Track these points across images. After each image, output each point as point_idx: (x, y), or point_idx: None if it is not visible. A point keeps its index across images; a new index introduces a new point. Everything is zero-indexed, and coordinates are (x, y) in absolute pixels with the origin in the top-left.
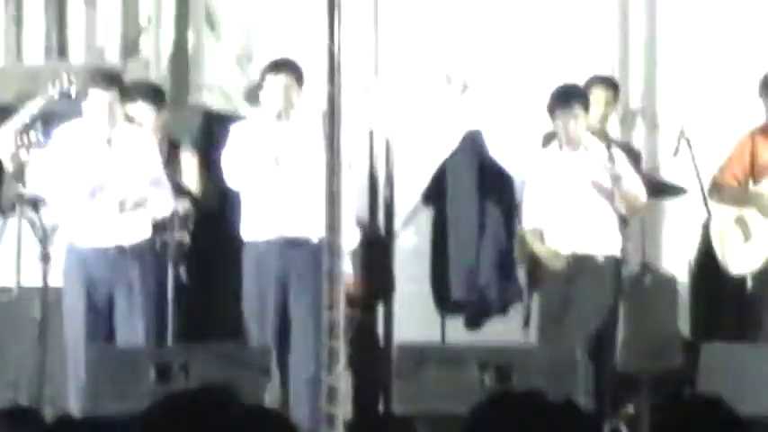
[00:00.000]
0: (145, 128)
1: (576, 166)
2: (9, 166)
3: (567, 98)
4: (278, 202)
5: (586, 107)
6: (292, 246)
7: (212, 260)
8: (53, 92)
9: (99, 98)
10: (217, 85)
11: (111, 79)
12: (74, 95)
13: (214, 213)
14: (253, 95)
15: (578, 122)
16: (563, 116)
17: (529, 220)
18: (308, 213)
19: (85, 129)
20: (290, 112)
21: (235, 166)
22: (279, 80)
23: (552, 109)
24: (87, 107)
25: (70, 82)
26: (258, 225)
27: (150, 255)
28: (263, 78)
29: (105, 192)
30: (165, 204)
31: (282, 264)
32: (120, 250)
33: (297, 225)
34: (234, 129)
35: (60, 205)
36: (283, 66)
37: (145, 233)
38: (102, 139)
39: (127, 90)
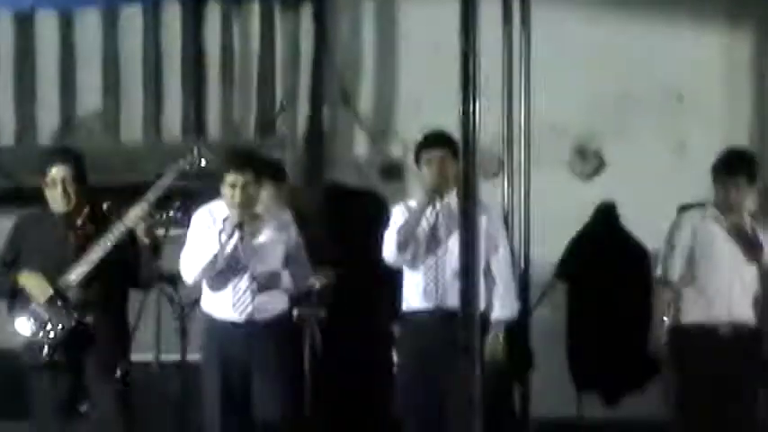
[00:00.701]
0: (272, 203)
1: (731, 235)
2: (145, 242)
3: (733, 166)
4: (436, 276)
5: (752, 177)
6: (450, 319)
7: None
8: (184, 165)
9: (234, 180)
10: (352, 162)
11: (246, 160)
12: (205, 169)
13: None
14: (388, 171)
15: (741, 192)
16: (726, 183)
17: (671, 289)
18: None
19: (222, 208)
20: (445, 188)
21: (395, 244)
22: (434, 155)
23: (716, 173)
24: (224, 188)
25: (201, 156)
26: (416, 299)
27: (286, 330)
28: (417, 155)
29: (242, 269)
30: (302, 281)
31: (440, 336)
32: (256, 326)
33: (455, 299)
34: (396, 207)
35: (199, 282)
36: (438, 140)
37: (281, 308)
38: (239, 217)
39: (262, 169)
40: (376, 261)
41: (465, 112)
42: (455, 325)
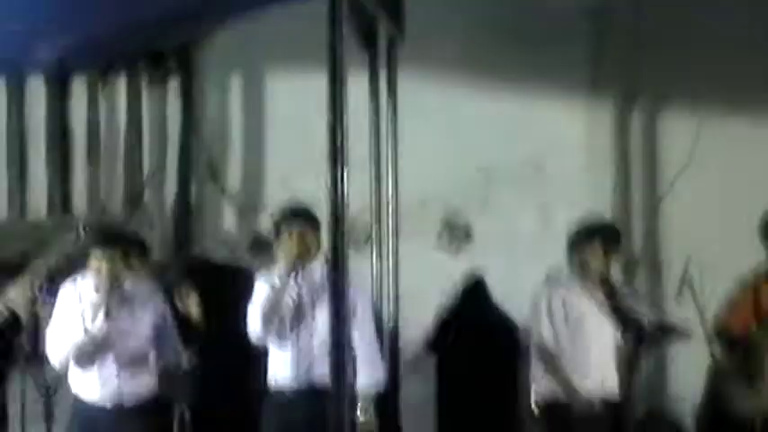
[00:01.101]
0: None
1: (594, 303)
2: (24, 320)
3: (592, 233)
4: (302, 350)
5: (610, 244)
6: (319, 394)
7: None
8: (67, 243)
9: (101, 255)
10: (221, 237)
11: (112, 236)
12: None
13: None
14: (257, 245)
15: (597, 258)
16: (586, 250)
17: (543, 361)
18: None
19: (88, 285)
20: (306, 259)
21: (259, 321)
22: (294, 227)
23: (575, 243)
24: (91, 264)
25: (84, 231)
26: (283, 374)
27: (154, 412)
28: (277, 228)
29: (109, 349)
30: (170, 356)
31: (307, 412)
32: (123, 409)
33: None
34: (257, 282)
35: (65, 366)
36: (298, 214)
37: (148, 389)
38: (104, 296)
39: (127, 245)
40: (245, 337)
41: (333, 183)
42: (323, 400)
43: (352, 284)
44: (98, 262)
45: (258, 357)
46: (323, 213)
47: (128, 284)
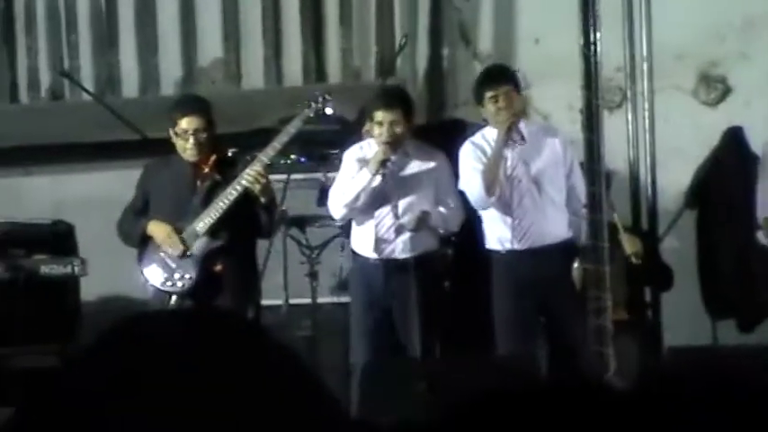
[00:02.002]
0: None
1: None
2: (262, 200)
3: None
4: (527, 212)
5: None
6: (542, 253)
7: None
8: (309, 113)
9: (383, 117)
10: (472, 100)
11: (395, 98)
12: (330, 114)
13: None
14: None
15: None
16: None
17: None
18: (558, 222)
19: (371, 147)
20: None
21: (482, 187)
22: (500, 90)
23: None
24: (373, 125)
25: (326, 101)
26: (506, 236)
27: (432, 268)
28: (480, 92)
29: (389, 205)
30: (452, 221)
31: (533, 271)
32: (401, 263)
33: (548, 234)
34: (466, 148)
35: (345, 217)
36: (502, 74)
37: (427, 247)
38: (381, 162)
39: (409, 108)
40: None
41: (585, 44)
42: (545, 257)
43: (562, 140)
44: (380, 123)
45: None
46: (576, 72)
47: (409, 145)
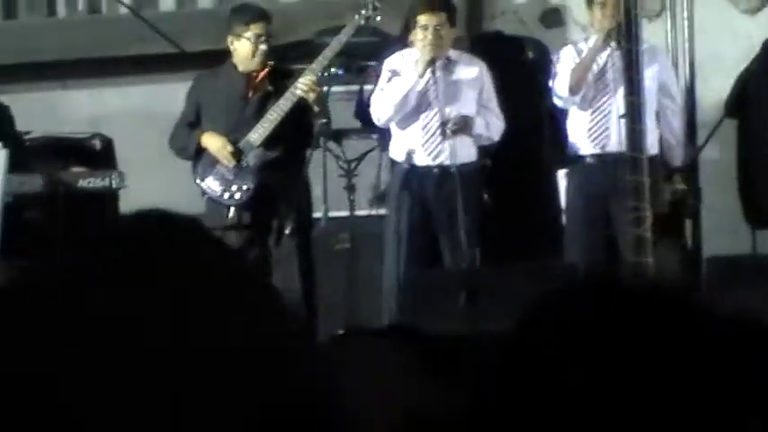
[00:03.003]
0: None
1: None
2: (315, 109)
3: None
4: (604, 119)
5: None
6: (614, 162)
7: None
8: (359, 21)
9: (427, 21)
10: (511, 11)
11: (439, 2)
12: (378, 22)
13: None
14: (548, 18)
15: None
16: None
17: None
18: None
19: (413, 53)
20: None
21: (567, 86)
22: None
23: None
24: (416, 30)
25: (376, 9)
26: (584, 142)
27: (473, 177)
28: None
29: (433, 109)
30: (494, 130)
31: (606, 180)
32: (444, 170)
33: (619, 142)
34: (565, 49)
35: (389, 121)
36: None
37: (470, 154)
38: (428, 62)
39: (453, 12)
40: (537, 107)
41: None
42: (622, 167)
43: (664, 65)
44: (424, 27)
45: (553, 126)
46: None
47: (452, 52)
